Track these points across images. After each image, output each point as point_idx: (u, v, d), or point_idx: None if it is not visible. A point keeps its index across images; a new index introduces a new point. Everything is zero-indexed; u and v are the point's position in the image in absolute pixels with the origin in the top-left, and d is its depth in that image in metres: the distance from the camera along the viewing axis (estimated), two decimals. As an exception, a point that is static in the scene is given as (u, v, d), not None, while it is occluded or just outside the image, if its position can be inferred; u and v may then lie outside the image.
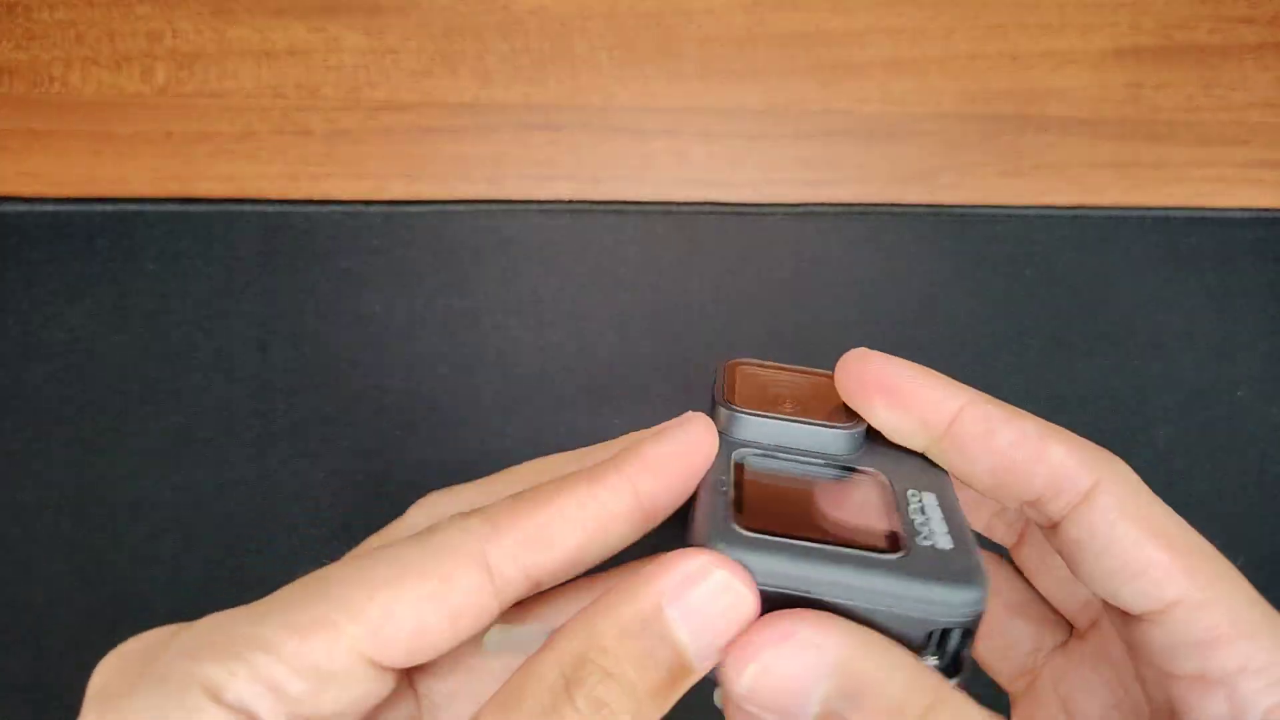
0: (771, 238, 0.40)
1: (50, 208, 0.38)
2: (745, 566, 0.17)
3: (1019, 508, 0.20)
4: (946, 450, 0.20)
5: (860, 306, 0.40)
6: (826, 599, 0.17)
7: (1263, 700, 0.18)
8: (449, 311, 0.39)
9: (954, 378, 0.20)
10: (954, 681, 0.17)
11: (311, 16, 0.39)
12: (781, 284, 0.40)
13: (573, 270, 0.39)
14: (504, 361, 0.39)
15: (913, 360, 0.20)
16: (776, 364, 0.24)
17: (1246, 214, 0.41)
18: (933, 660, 0.17)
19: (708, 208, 0.40)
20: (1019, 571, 0.24)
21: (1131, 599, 0.19)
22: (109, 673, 0.17)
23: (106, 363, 0.38)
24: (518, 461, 0.22)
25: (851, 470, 0.20)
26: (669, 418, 0.20)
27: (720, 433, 0.20)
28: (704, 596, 0.17)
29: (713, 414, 0.21)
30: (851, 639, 0.16)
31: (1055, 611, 0.24)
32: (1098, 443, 0.20)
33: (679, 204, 0.40)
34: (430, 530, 0.17)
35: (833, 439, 0.20)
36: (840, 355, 0.21)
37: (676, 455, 0.18)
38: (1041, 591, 0.24)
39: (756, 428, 0.20)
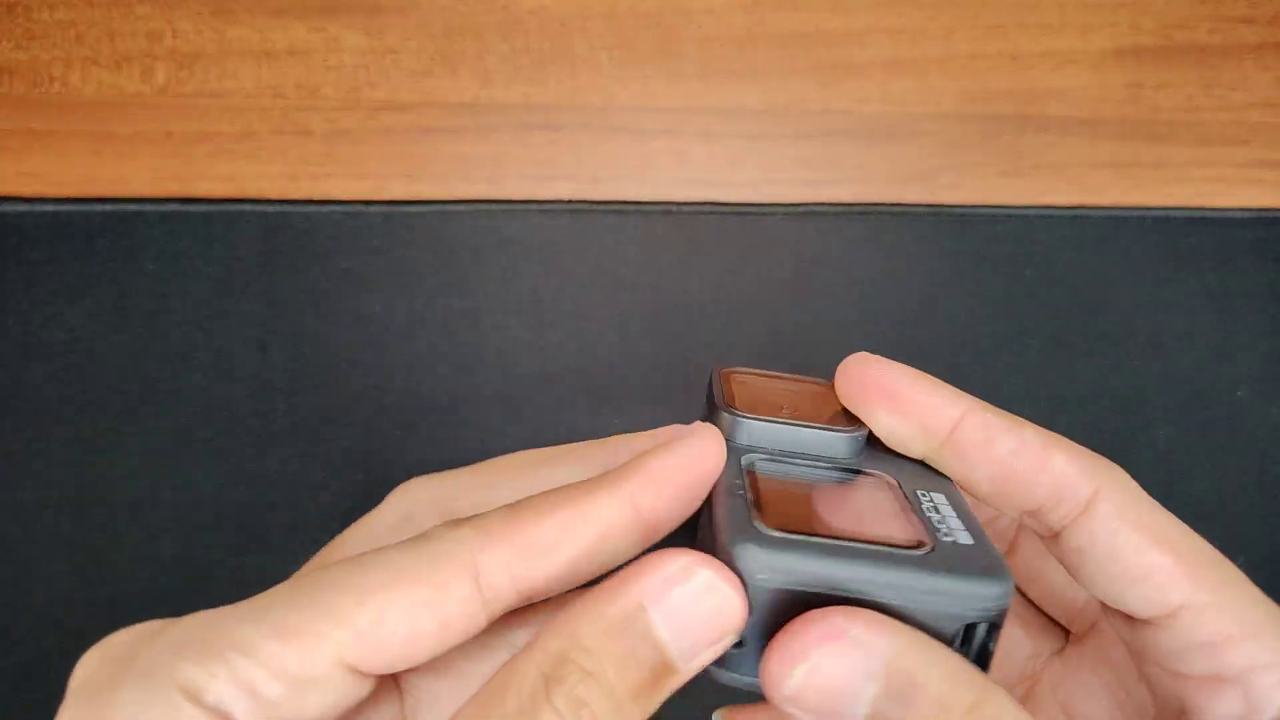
0: (771, 238, 0.40)
1: (50, 208, 0.38)
2: (774, 566, 0.16)
3: (1016, 516, 0.20)
4: (947, 458, 0.20)
5: (860, 306, 0.40)
6: (859, 597, 0.17)
7: (1276, 696, 0.18)
8: (449, 311, 0.39)
9: (954, 378, 0.20)
10: None
11: (311, 16, 0.39)
12: (781, 284, 0.40)
13: (573, 270, 0.39)
14: (504, 361, 0.39)
15: (913, 361, 0.20)
16: (766, 371, 0.24)
17: (1246, 214, 0.41)
18: None
19: (708, 208, 0.40)
20: None
21: (1137, 604, 0.19)
22: (92, 666, 0.17)
23: (106, 363, 0.38)
24: (516, 462, 0.22)
25: (859, 472, 0.20)
26: (669, 418, 0.20)
27: (725, 439, 0.20)
28: (687, 596, 0.16)
29: (713, 420, 0.21)
30: (901, 636, 0.16)
31: (1049, 618, 0.24)
32: (1098, 443, 0.20)
33: (679, 204, 0.40)
34: (422, 537, 0.17)
35: (837, 442, 0.20)
36: (839, 356, 0.21)
37: (683, 468, 0.18)
38: (1035, 599, 0.24)
39: (760, 433, 0.20)
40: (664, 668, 0.16)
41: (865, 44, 0.40)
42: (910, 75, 0.40)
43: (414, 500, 0.21)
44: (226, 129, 0.39)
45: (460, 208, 0.39)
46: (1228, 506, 0.40)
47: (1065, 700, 0.22)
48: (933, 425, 0.20)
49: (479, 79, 0.40)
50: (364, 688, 0.17)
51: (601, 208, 0.40)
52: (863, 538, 0.17)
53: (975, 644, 0.17)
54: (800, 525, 0.17)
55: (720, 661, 0.17)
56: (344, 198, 0.39)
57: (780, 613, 0.17)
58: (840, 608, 0.16)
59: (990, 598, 0.16)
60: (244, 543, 0.38)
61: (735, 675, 0.18)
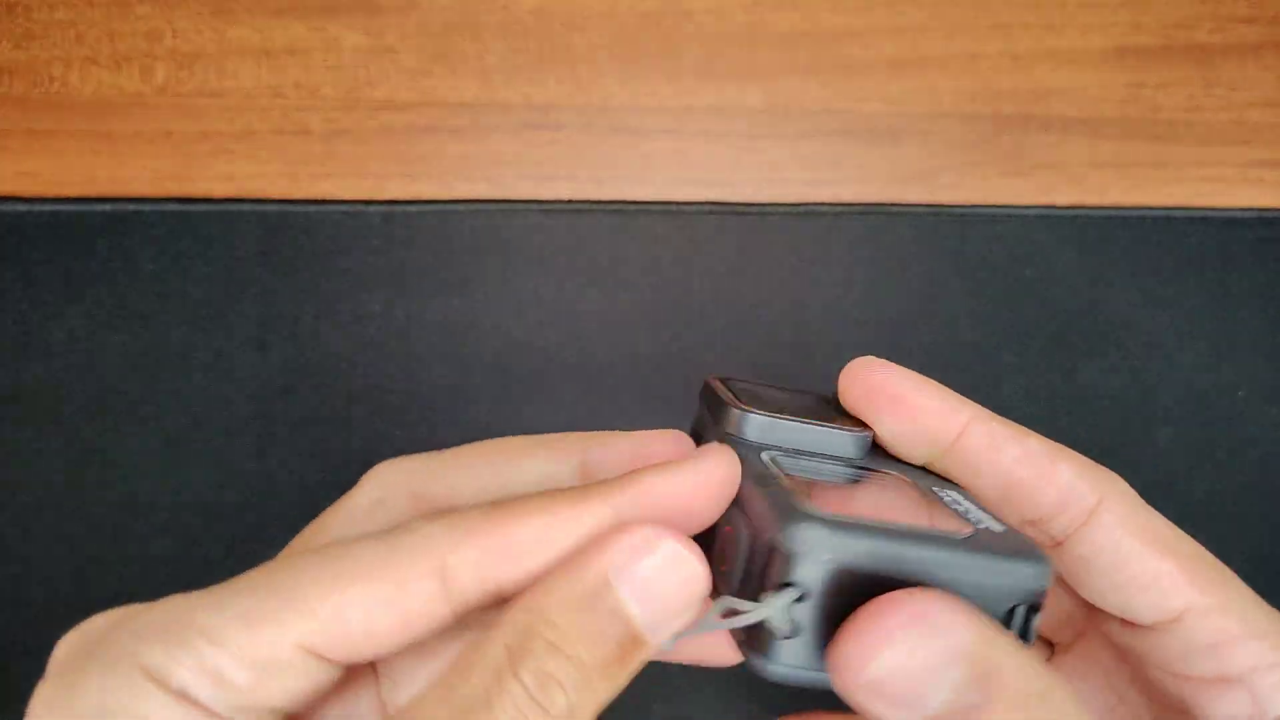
0: (771, 238, 0.40)
1: (50, 208, 0.38)
2: (836, 545, 0.16)
3: (1018, 525, 0.20)
4: (950, 464, 0.20)
5: (860, 306, 0.40)
6: (913, 578, 0.16)
7: None
8: (449, 311, 0.39)
9: (954, 378, 0.20)
10: None
11: (311, 16, 0.39)
12: (781, 284, 0.40)
13: (573, 270, 0.39)
14: (503, 361, 0.39)
15: (914, 361, 0.20)
16: (760, 381, 0.24)
17: (1247, 214, 0.41)
18: None
19: (708, 208, 0.40)
20: None
21: (1143, 610, 0.19)
22: (68, 648, 0.17)
23: (106, 363, 0.38)
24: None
25: (872, 471, 0.20)
26: (669, 418, 0.20)
27: (736, 436, 0.20)
28: (654, 567, 0.16)
29: (716, 419, 0.21)
30: (978, 620, 0.16)
31: None
32: (1098, 443, 0.20)
33: (679, 204, 0.40)
34: (394, 531, 0.17)
35: (846, 442, 0.20)
36: (840, 355, 0.21)
37: (691, 495, 0.18)
38: None
39: (771, 430, 0.20)
40: (632, 640, 0.16)
41: (866, 44, 0.40)
42: (911, 75, 0.40)
43: (386, 485, 0.21)
44: (226, 129, 0.39)
45: (460, 208, 0.39)
46: (1228, 507, 0.40)
47: None
48: (938, 431, 0.20)
49: (479, 79, 0.39)
50: (332, 673, 0.17)
51: (602, 208, 0.40)
52: (908, 523, 0.17)
53: (1015, 627, 0.17)
54: (847, 510, 0.17)
55: (767, 653, 0.17)
56: (344, 198, 0.39)
57: (839, 597, 0.16)
58: (919, 590, 0.16)
59: (1037, 576, 0.16)
60: (244, 543, 0.38)
61: (786, 668, 0.17)
